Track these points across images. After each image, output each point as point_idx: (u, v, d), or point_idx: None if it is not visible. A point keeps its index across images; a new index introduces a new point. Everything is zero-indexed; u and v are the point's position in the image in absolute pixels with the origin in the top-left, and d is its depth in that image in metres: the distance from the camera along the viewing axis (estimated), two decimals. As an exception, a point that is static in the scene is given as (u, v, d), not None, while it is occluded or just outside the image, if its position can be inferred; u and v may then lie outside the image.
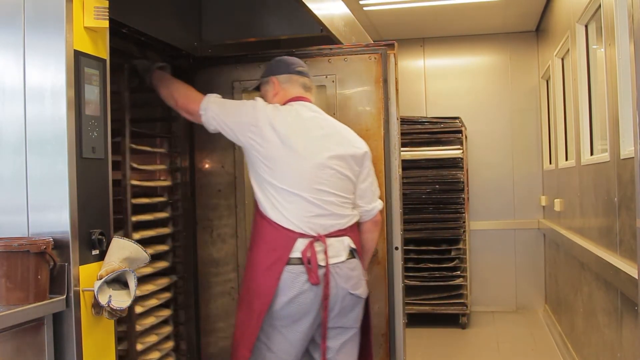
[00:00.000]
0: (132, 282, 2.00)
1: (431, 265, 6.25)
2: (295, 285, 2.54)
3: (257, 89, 2.90)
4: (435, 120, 6.43)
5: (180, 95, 2.83)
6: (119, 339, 2.32)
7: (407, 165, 5.85)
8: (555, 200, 5.63)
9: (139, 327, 2.85)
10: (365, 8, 6.06)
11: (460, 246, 6.25)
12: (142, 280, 2.93)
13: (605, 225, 3.68)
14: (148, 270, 2.95)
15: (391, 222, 3.14)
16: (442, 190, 6.21)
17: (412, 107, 7.16)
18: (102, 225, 2.06)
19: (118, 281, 2.01)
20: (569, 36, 4.91)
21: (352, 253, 2.70)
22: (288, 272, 2.53)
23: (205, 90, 2.99)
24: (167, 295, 3.19)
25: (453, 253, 6.26)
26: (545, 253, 6.93)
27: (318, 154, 2.62)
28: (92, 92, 2.02)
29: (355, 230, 2.75)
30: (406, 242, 3.23)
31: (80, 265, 1.93)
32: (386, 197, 3.12)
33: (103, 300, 1.93)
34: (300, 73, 2.81)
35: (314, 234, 2.57)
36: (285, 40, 3.51)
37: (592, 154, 4.42)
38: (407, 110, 6.86)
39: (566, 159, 5.55)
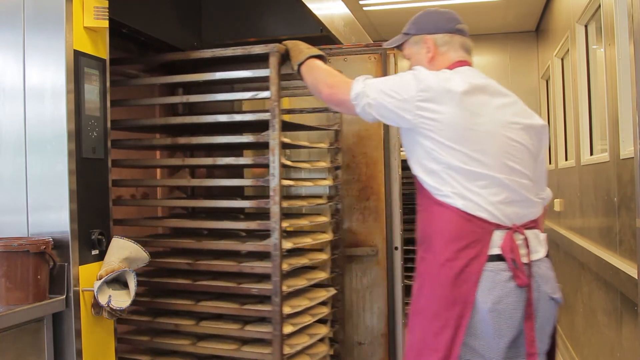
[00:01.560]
0: (132, 282, 2.00)
1: (431, 265, 6.22)
2: (496, 287, 2.01)
3: (398, 48, 2.40)
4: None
5: (325, 85, 2.32)
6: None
7: (406, 165, 5.84)
8: (555, 200, 5.63)
9: (288, 349, 2.58)
10: (365, 8, 6.06)
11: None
12: (294, 295, 2.72)
13: (605, 225, 3.68)
14: (302, 282, 2.72)
15: (391, 222, 3.14)
16: (442, 190, 6.18)
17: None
18: (102, 225, 2.06)
19: (118, 281, 2.01)
20: (568, 36, 4.91)
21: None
22: (488, 272, 2.01)
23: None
24: (323, 311, 2.89)
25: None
26: (545, 253, 6.91)
27: (506, 127, 2.11)
28: (92, 92, 2.02)
29: (541, 222, 2.24)
30: (406, 242, 3.22)
31: (80, 265, 1.93)
32: (386, 198, 3.13)
33: (103, 300, 1.93)
34: (461, 32, 2.28)
35: (510, 225, 2.06)
36: (285, 40, 3.50)
37: (592, 154, 4.42)
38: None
39: (566, 159, 5.55)
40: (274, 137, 2.52)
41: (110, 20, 2.06)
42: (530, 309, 2.05)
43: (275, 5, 3.32)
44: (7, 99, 1.98)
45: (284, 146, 2.68)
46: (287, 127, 2.76)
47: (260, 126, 2.65)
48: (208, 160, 2.90)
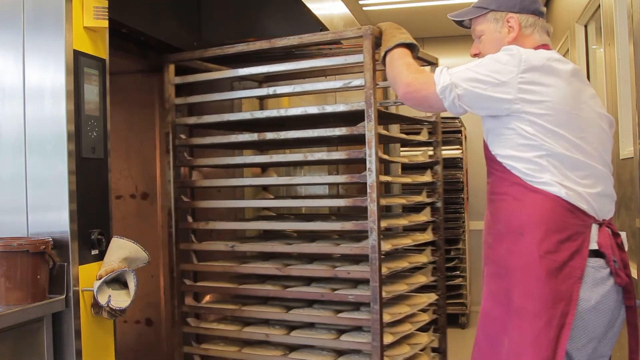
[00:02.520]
0: (131, 282, 2.00)
1: (431, 265, 6.24)
2: (598, 285, 1.86)
3: (460, 24, 2.18)
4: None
5: (402, 84, 2.07)
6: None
7: (406, 165, 5.85)
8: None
9: (387, 360, 2.42)
10: (365, 8, 6.06)
11: (460, 246, 6.25)
12: (393, 301, 2.57)
13: (604, 225, 3.67)
14: (402, 287, 2.55)
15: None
16: (441, 190, 6.20)
17: (411, 107, 7.15)
18: (102, 225, 2.05)
19: (117, 281, 2.01)
20: (568, 36, 4.91)
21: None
22: (590, 267, 1.85)
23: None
24: (423, 319, 2.74)
25: (452, 253, 6.25)
26: (544, 253, 6.91)
27: (599, 117, 1.97)
28: (91, 92, 2.02)
29: None
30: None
31: (79, 265, 1.93)
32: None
33: (102, 300, 1.93)
34: (543, 15, 2.07)
35: (601, 220, 1.91)
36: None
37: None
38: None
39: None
40: (370, 128, 2.32)
41: (110, 20, 2.06)
42: (633, 313, 1.89)
43: (274, 5, 3.31)
44: (6, 99, 1.97)
45: (381, 139, 2.46)
46: (382, 118, 2.56)
47: (351, 118, 2.44)
48: (298, 156, 2.75)
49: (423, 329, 2.75)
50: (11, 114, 1.97)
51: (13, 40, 1.96)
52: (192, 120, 2.89)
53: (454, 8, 2.27)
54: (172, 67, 2.90)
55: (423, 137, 2.89)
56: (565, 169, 1.86)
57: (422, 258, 2.77)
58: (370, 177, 2.33)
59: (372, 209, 2.32)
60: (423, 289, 2.82)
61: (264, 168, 3.33)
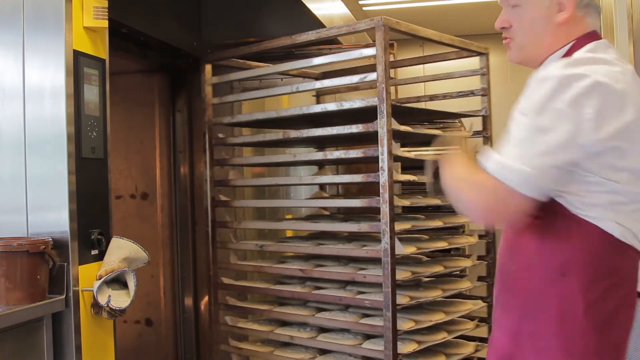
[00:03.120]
0: (131, 282, 2.00)
1: (431, 265, 6.23)
2: None
3: None
4: (434, 120, 6.42)
5: (471, 198, 1.50)
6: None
7: (406, 165, 5.84)
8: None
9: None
10: (365, 8, 6.06)
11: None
12: (430, 307, 2.47)
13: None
14: (436, 293, 2.40)
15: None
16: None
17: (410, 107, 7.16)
18: (102, 225, 2.05)
19: (117, 281, 2.01)
20: (568, 36, 4.90)
21: None
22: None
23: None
24: (468, 327, 2.59)
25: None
26: (544, 253, 6.90)
27: None
28: (91, 92, 2.02)
29: None
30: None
31: (79, 265, 1.93)
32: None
33: (102, 300, 1.92)
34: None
35: None
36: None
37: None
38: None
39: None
40: (382, 125, 2.21)
41: (110, 20, 2.06)
42: None
43: (274, 5, 3.31)
44: (6, 99, 1.97)
45: (397, 135, 2.33)
46: (405, 114, 2.42)
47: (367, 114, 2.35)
48: (318, 155, 2.78)
49: (469, 338, 2.61)
50: (11, 114, 1.96)
51: (13, 40, 1.96)
52: (227, 119, 2.94)
53: (453, 8, 2.27)
54: (209, 67, 2.95)
55: (469, 131, 2.73)
56: (628, 209, 1.46)
57: (466, 262, 2.61)
58: (383, 177, 2.22)
59: (385, 210, 2.21)
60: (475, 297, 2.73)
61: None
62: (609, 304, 1.46)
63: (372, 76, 2.29)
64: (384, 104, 2.22)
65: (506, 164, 1.39)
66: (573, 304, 1.45)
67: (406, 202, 2.49)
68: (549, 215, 1.47)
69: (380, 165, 2.24)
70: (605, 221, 1.44)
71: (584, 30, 1.55)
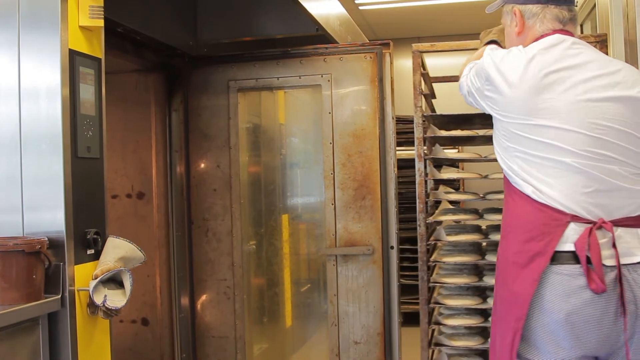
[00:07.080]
0: (127, 281, 1.99)
1: (427, 264, 6.23)
2: (573, 294, 1.71)
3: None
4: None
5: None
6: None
7: (402, 164, 5.82)
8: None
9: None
10: (360, 7, 6.06)
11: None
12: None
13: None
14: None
15: (387, 221, 3.15)
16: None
17: (407, 106, 7.10)
18: (97, 224, 2.05)
19: (113, 281, 2.01)
20: (564, 35, 4.90)
21: None
22: (555, 274, 1.73)
23: (201, 90, 2.97)
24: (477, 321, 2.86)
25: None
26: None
27: (585, 105, 1.79)
28: (87, 92, 2.01)
29: None
30: (402, 241, 3.24)
31: (75, 264, 1.93)
32: (382, 196, 3.13)
33: (98, 300, 1.92)
34: (557, 1, 1.95)
35: (593, 219, 1.74)
36: (281, 39, 3.50)
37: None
38: (402, 110, 6.83)
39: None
40: None
41: (106, 20, 2.05)
42: (623, 323, 1.70)
43: (270, 4, 3.31)
44: (1, 98, 1.97)
45: None
46: None
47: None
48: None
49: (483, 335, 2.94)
50: (6, 113, 1.96)
51: (8, 39, 1.96)
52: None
53: (449, 8, 2.29)
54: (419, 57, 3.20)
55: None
56: (534, 170, 1.81)
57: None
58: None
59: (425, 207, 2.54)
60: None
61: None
62: (522, 255, 1.79)
63: None
64: None
65: (469, 63, 2.10)
66: (504, 259, 1.89)
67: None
68: (505, 191, 1.96)
69: None
70: (522, 187, 1.84)
71: (535, 35, 1.97)
